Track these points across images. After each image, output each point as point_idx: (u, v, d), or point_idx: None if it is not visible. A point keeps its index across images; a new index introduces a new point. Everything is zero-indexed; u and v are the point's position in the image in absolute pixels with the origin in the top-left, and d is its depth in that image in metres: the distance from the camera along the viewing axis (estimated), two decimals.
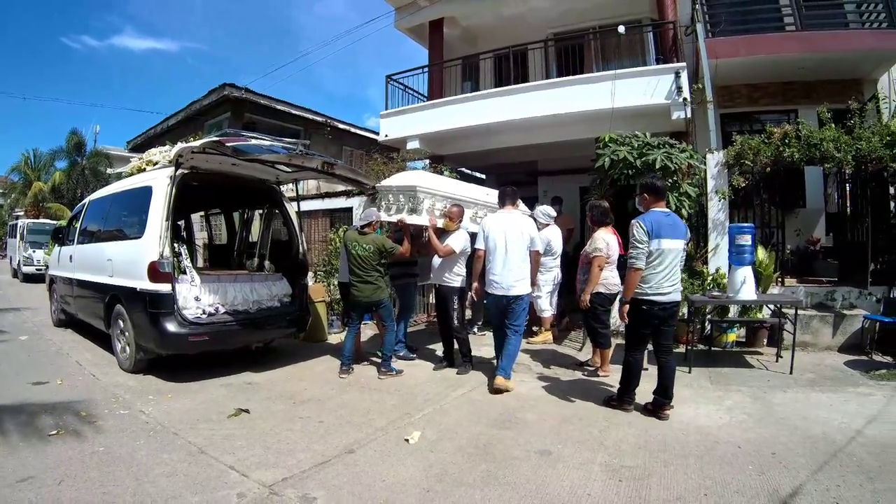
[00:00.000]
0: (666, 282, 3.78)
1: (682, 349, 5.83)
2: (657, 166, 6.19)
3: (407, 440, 3.53)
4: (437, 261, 5.45)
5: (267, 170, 5.69)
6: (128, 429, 3.67)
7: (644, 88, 7.42)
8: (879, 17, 7.22)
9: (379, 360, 5.46)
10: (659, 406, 3.90)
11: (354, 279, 5.19)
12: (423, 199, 5.28)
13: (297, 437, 3.58)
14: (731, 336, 5.93)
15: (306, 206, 10.85)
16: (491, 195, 6.39)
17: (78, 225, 7.08)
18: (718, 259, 6.29)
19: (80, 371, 5.30)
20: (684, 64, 7.47)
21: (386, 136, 10.08)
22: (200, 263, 8.04)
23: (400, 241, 5.40)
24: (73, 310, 6.91)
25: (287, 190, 6.82)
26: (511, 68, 9.20)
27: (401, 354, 5.83)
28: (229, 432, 3.64)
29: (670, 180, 6.35)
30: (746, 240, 5.21)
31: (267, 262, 6.42)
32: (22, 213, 22.69)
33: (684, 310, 5.98)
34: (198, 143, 4.64)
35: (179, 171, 5.00)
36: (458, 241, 5.34)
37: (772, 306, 5.69)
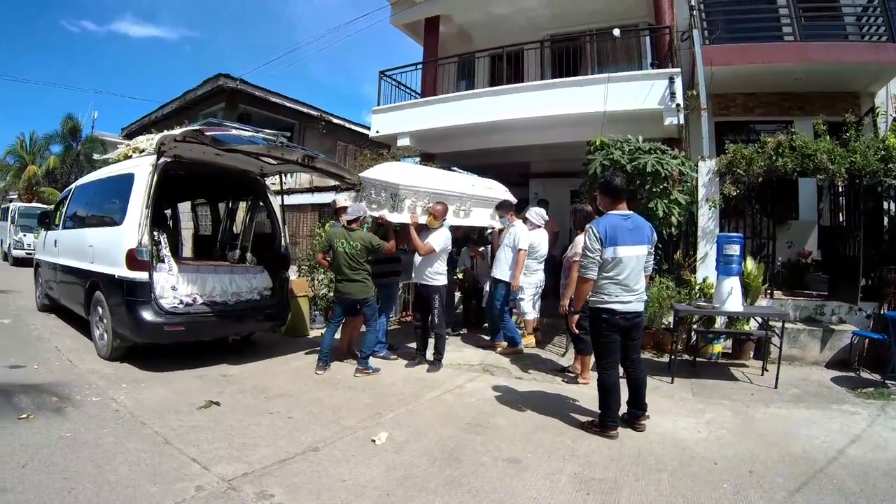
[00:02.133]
0: (626, 292, 3.55)
1: (665, 359, 5.76)
2: (647, 171, 6.11)
3: (374, 440, 3.45)
4: (418, 259, 5.38)
5: (251, 161, 5.61)
6: (97, 416, 3.66)
7: (637, 93, 7.34)
8: (879, 29, 7.13)
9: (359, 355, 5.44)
10: (634, 417, 3.78)
11: (341, 277, 5.11)
12: (405, 197, 5.19)
13: (263, 433, 3.52)
14: (717, 347, 5.84)
15: (296, 199, 10.83)
16: (477, 185, 6.30)
17: (64, 210, 7.06)
18: (707, 268, 6.20)
19: (58, 356, 5.27)
20: (679, 70, 7.39)
21: (377, 132, 10.00)
22: (188, 253, 7.96)
23: (383, 236, 5.30)
24: (56, 295, 6.87)
25: (275, 182, 6.73)
26: (505, 69, 9.14)
27: (381, 354, 5.74)
28: (197, 424, 3.60)
29: (661, 186, 6.27)
30: (735, 250, 5.12)
31: (249, 255, 6.32)
32: (16, 197, 22.54)
33: (669, 318, 5.91)
34: (178, 131, 4.57)
35: (162, 160, 5.00)
36: (438, 240, 5.25)
37: (759, 319, 5.60)
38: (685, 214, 6.39)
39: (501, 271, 6.05)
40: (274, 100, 13.53)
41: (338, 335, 5.47)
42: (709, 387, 4.91)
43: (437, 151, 9.97)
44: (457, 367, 5.50)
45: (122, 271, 4.81)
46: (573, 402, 4.38)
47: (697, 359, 5.74)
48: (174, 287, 5.09)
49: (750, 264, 5.92)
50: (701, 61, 7.03)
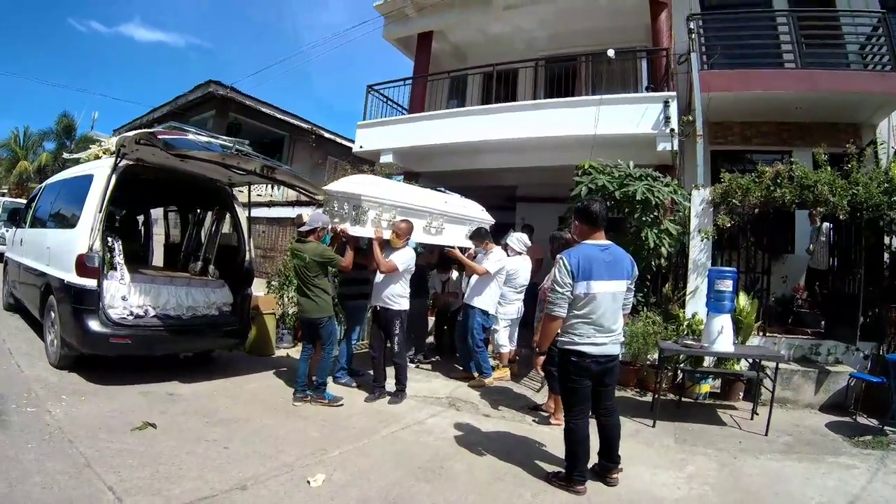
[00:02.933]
0: (599, 332, 3.14)
1: (648, 398, 5.38)
2: (637, 198, 5.80)
3: (309, 482, 3.08)
4: (379, 278, 5.01)
5: (219, 170, 5.30)
6: (26, 429, 3.45)
7: (631, 116, 7.05)
8: (882, 59, 6.88)
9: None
10: (605, 470, 3.37)
11: (298, 293, 4.77)
12: (368, 209, 4.82)
13: (193, 463, 3.22)
14: (705, 387, 5.44)
15: (278, 213, 10.52)
16: (451, 203, 5.97)
17: (32, 208, 6.89)
18: (697, 303, 5.83)
19: (8, 360, 5.06)
20: (674, 94, 7.12)
21: (361, 146, 9.71)
22: (157, 262, 7.64)
23: (341, 252, 4.94)
24: (20, 295, 6.59)
25: (260, 194, 6.43)
26: (498, 89, 8.89)
27: (342, 381, 5.36)
28: (125, 447, 3.34)
29: (652, 215, 5.96)
30: (727, 285, 4.76)
31: (211, 267, 5.98)
32: (6, 191, 22.27)
33: (655, 355, 5.53)
34: (132, 133, 4.28)
35: (124, 162, 4.80)
36: (402, 258, 4.90)
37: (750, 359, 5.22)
38: (676, 245, 6.07)
39: (475, 298, 5.68)
40: (264, 110, 13.31)
41: None
42: (693, 432, 4.51)
43: (421, 170, 9.68)
44: (422, 399, 5.10)
45: (71, 277, 4.58)
46: (540, 447, 3.98)
47: (683, 398, 5.35)
48: (124, 297, 4.79)
49: (743, 300, 5.55)
50: (698, 86, 6.76)
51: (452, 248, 5.72)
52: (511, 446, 3.97)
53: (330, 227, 4.88)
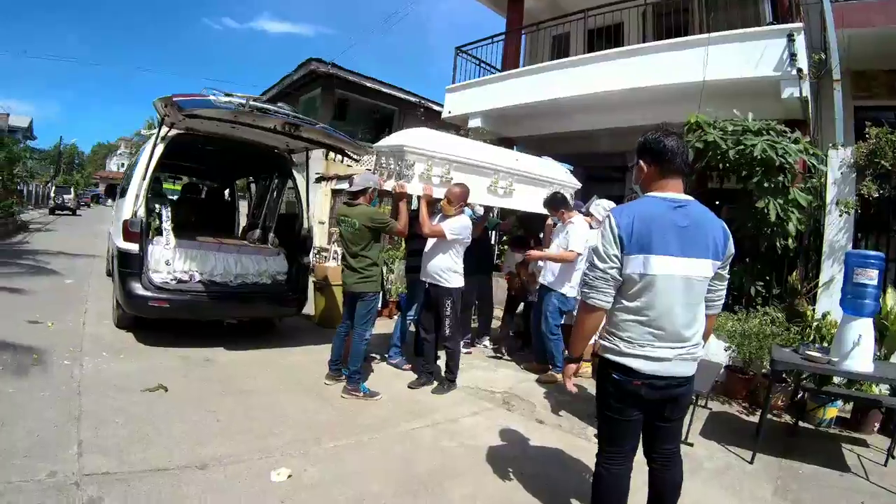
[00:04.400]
0: (661, 341, 2.00)
1: (756, 418, 4.17)
2: (756, 156, 4.51)
3: (272, 476, 2.70)
4: (428, 246, 4.41)
5: (277, 137, 5.12)
6: (52, 378, 3.68)
7: (747, 56, 5.52)
8: None
9: (377, 357, 4.97)
10: None
11: (343, 263, 4.36)
12: (414, 162, 4.21)
13: (176, 431, 3.11)
14: (831, 411, 4.07)
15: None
16: (523, 161, 5.16)
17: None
18: (831, 299, 4.36)
19: (79, 318, 5.42)
20: (801, 25, 5.42)
21: (449, 112, 9.10)
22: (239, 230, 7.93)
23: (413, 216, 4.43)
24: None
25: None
26: (601, 45, 7.59)
27: (394, 361, 4.96)
28: (124, 406, 3.36)
29: (775, 180, 4.61)
30: (871, 276, 3.35)
31: (271, 236, 5.90)
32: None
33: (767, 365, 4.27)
34: (158, 99, 4.21)
35: (173, 132, 4.86)
36: (452, 225, 4.24)
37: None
38: (807, 221, 4.63)
39: (552, 278, 4.87)
40: (368, 84, 13.25)
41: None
42: (803, 478, 3.29)
43: (515, 135, 8.84)
44: (473, 391, 4.47)
45: (120, 241, 4.74)
46: (586, 479, 2.78)
47: (801, 423, 4.06)
48: (168, 262, 4.82)
49: (891, 299, 4.03)
50: (831, 20, 5.08)
51: (530, 245, 5.11)
52: (550, 470, 3.16)
53: (374, 185, 4.30)
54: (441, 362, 4.58)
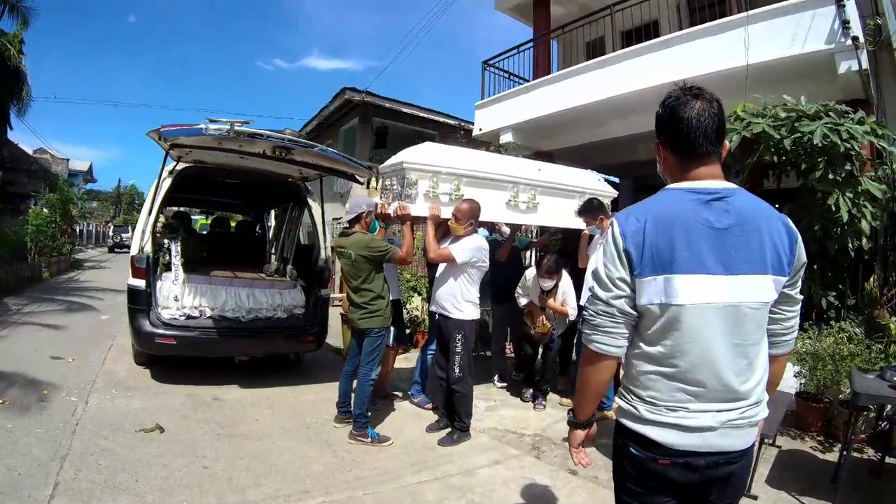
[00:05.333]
0: (699, 400, 1.35)
1: (834, 455, 3.42)
2: (816, 143, 3.84)
3: None
4: (438, 272, 3.98)
5: (288, 166, 4.97)
6: (53, 415, 3.69)
7: (792, 31, 4.79)
8: None
9: (399, 395, 4.70)
10: None
11: (347, 299, 4.03)
12: (417, 179, 3.82)
13: (155, 477, 2.95)
14: None
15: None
16: (546, 171, 4.66)
17: None
18: None
19: (101, 354, 5.46)
20: None
21: (480, 129, 8.74)
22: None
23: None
24: None
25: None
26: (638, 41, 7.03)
27: (416, 400, 4.57)
28: (113, 447, 3.27)
29: (842, 171, 3.92)
30: None
31: (289, 267, 5.72)
32: None
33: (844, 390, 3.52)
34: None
35: (181, 165, 4.88)
36: (463, 247, 3.72)
37: None
38: (882, 216, 3.87)
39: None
40: (405, 110, 13.18)
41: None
42: None
43: (551, 148, 8.33)
44: (500, 434, 3.97)
45: (129, 278, 4.69)
46: None
47: (888, 458, 3.26)
48: (176, 298, 4.71)
49: None
50: None
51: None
52: None
53: (368, 209, 3.93)
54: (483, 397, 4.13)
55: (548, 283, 4.42)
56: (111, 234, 32.11)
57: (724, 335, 1.32)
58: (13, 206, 16.90)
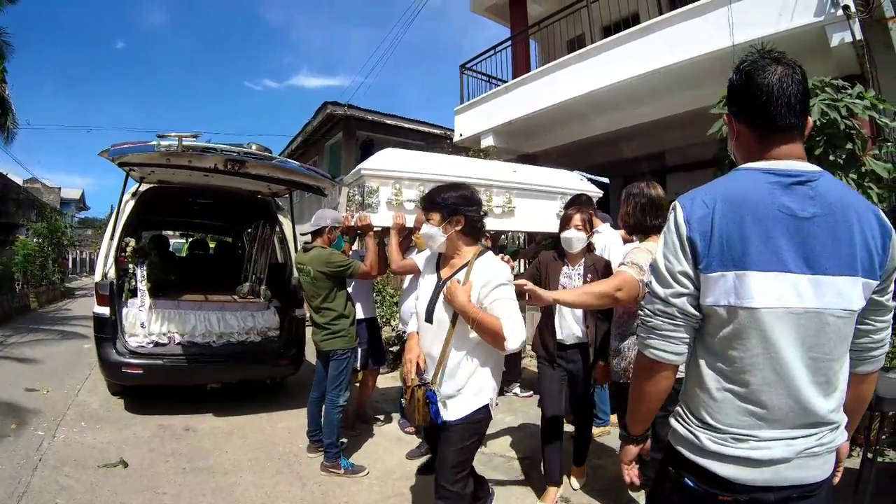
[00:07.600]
0: (767, 422, 1.13)
1: (856, 460, 3.10)
2: (814, 120, 3.55)
3: None
4: (405, 285, 3.72)
5: (254, 182, 4.68)
6: (17, 450, 3.58)
7: (779, 5, 4.51)
8: None
9: (381, 419, 4.45)
10: None
11: (310, 320, 3.76)
12: (378, 186, 3.53)
13: None
14: None
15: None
16: (522, 172, 4.31)
17: None
18: None
19: (76, 386, 5.27)
20: None
21: (461, 135, 8.49)
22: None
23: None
24: None
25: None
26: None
27: (407, 429, 4.20)
28: (72, 484, 3.15)
29: (844, 150, 3.64)
30: None
31: (263, 288, 5.41)
32: None
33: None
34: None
35: (144, 186, 4.74)
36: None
37: None
38: (890, 198, 3.59)
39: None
40: (389, 122, 12.96)
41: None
42: None
43: (533, 150, 8.06)
44: (485, 458, 3.60)
45: (94, 306, 4.42)
46: None
47: None
48: (143, 324, 4.44)
49: None
50: None
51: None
52: None
53: (331, 223, 3.67)
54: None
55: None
56: None
57: (801, 348, 1.11)
58: (2, 236, 16.69)
